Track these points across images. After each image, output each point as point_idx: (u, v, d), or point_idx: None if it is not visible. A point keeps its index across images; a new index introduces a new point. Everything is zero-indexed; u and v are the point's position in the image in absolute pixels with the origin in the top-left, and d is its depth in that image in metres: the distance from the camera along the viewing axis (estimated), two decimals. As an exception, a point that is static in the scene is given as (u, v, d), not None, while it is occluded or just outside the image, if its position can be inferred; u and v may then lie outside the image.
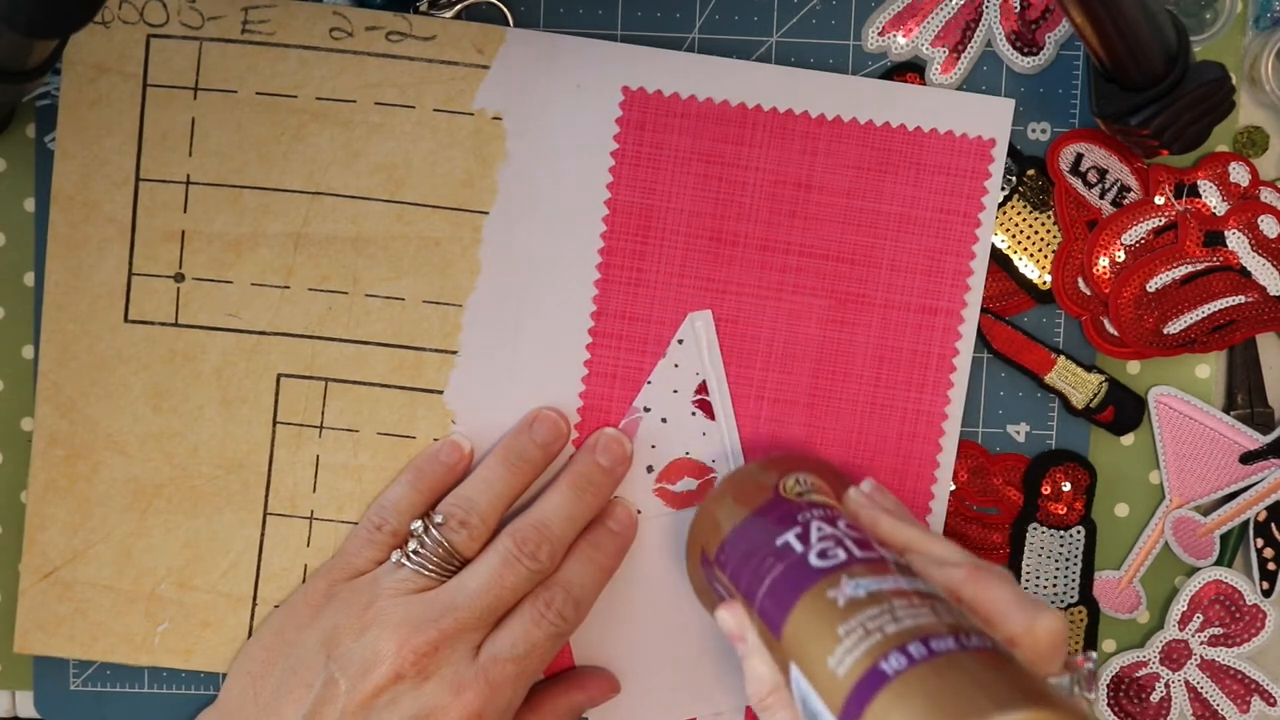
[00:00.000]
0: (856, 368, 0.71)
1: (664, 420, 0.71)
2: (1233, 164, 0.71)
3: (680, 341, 0.71)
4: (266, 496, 0.71)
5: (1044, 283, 0.72)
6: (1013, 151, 0.71)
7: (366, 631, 0.65)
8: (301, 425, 0.71)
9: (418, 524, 0.67)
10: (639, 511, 0.71)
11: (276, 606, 0.71)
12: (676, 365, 0.71)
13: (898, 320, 0.71)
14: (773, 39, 0.71)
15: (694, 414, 0.71)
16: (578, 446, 0.71)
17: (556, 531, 0.67)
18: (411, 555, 0.66)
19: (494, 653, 0.65)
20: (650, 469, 0.71)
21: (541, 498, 0.69)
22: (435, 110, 0.70)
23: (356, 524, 0.70)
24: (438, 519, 0.67)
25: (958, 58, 0.71)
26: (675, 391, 0.71)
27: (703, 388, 0.71)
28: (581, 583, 0.68)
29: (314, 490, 0.71)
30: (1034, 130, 0.71)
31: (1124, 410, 0.72)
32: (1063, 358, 0.72)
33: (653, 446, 0.71)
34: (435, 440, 0.71)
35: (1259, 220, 0.70)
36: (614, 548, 0.70)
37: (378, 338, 0.71)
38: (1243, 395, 0.73)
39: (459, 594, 0.65)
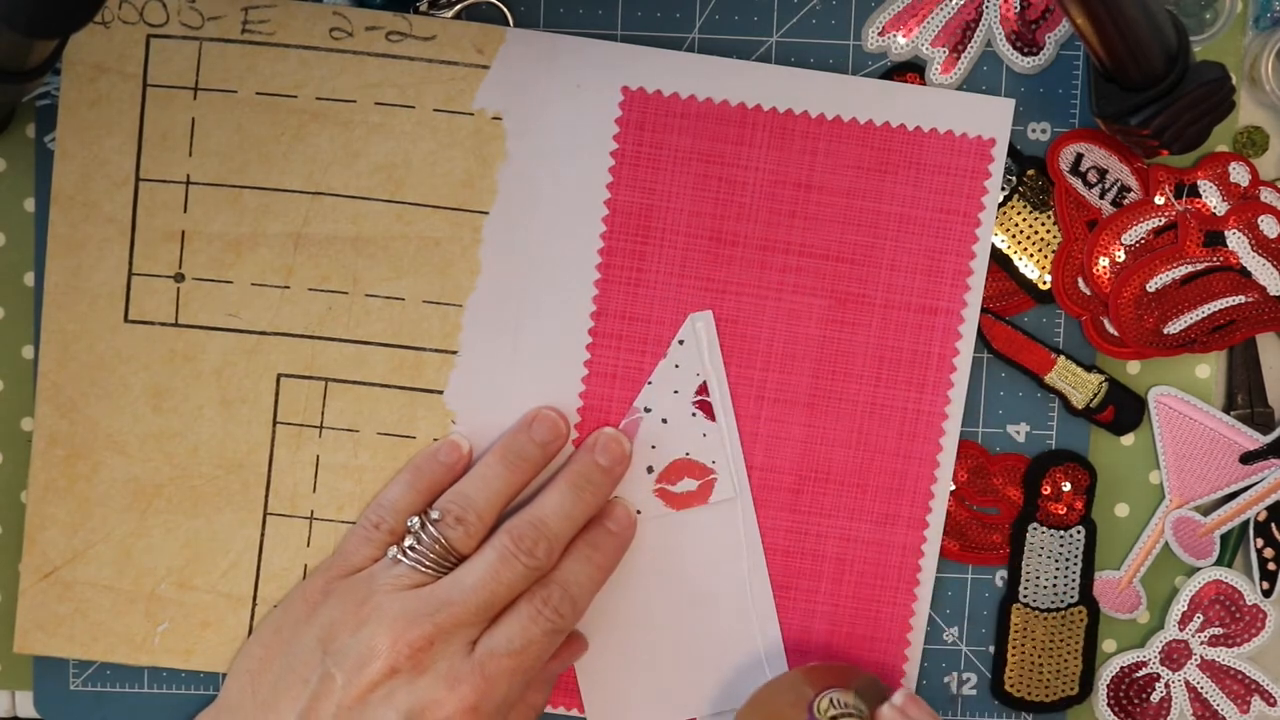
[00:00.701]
0: (856, 368, 0.71)
1: (664, 421, 0.71)
2: (1233, 164, 0.71)
3: (681, 342, 0.70)
4: (266, 496, 0.71)
5: (1044, 283, 0.72)
6: (1013, 151, 0.71)
7: (362, 627, 0.65)
8: (301, 425, 0.71)
9: (414, 520, 0.67)
10: (638, 511, 0.71)
11: (276, 605, 0.71)
12: (677, 366, 0.71)
13: (898, 320, 0.71)
14: (773, 39, 0.71)
15: (694, 415, 0.71)
16: (578, 446, 0.71)
17: (554, 529, 0.67)
18: (408, 551, 0.66)
19: (490, 647, 0.65)
20: (650, 469, 0.71)
21: (540, 496, 0.68)
22: (435, 110, 0.70)
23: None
24: (434, 515, 0.67)
25: (958, 58, 0.71)
26: (676, 392, 0.71)
27: (703, 388, 0.71)
28: (579, 581, 0.68)
29: (314, 490, 0.71)
30: (1034, 130, 0.71)
31: (1124, 410, 0.72)
32: (1063, 358, 0.72)
33: (653, 447, 0.71)
34: (435, 440, 0.71)
35: (1259, 220, 0.70)
36: (612, 547, 0.70)
37: (378, 338, 0.71)
38: (1243, 395, 0.73)
39: (454, 589, 0.65)
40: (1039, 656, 0.73)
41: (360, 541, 0.68)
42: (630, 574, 0.71)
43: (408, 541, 0.67)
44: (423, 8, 0.70)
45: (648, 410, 0.71)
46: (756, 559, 0.71)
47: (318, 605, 0.68)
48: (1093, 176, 0.71)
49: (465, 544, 0.67)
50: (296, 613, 0.68)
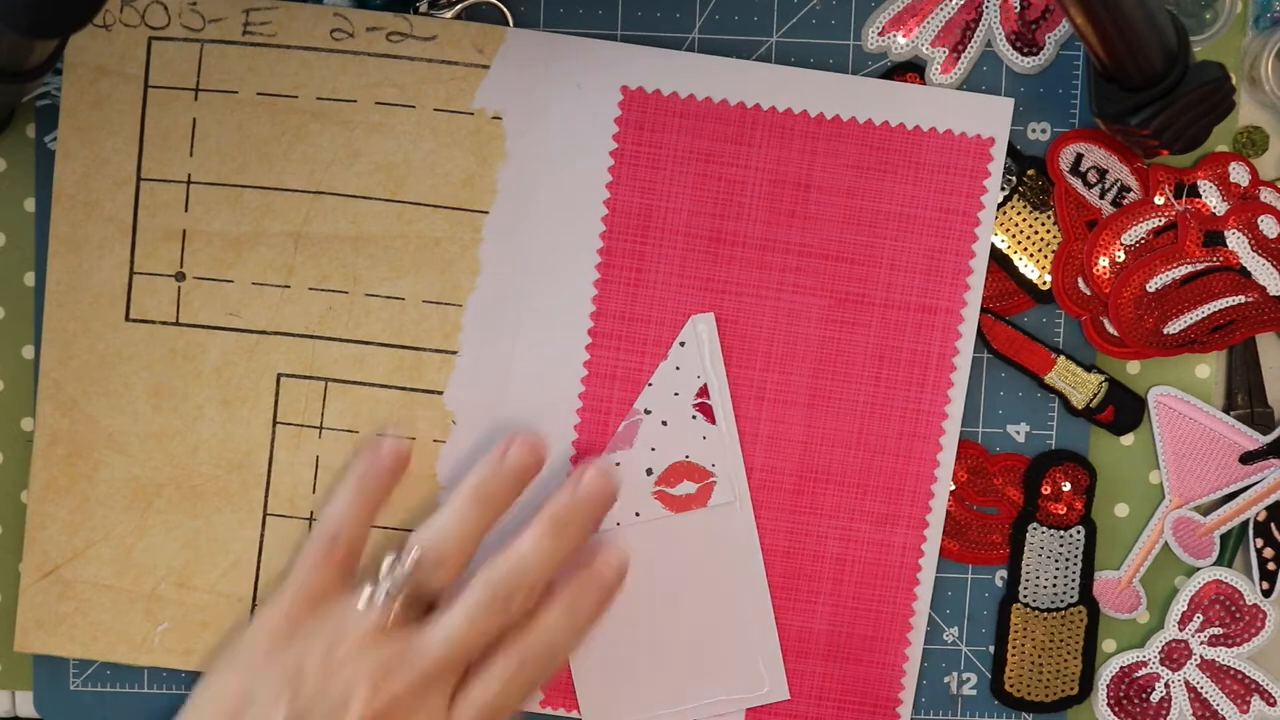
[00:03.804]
0: (856, 367, 0.71)
1: (664, 423, 0.71)
2: (1233, 164, 0.71)
3: (682, 344, 0.70)
4: (266, 497, 0.71)
5: (1044, 283, 0.72)
6: (1013, 151, 0.71)
7: (336, 673, 0.62)
8: (301, 425, 0.71)
9: (389, 561, 0.64)
10: (637, 514, 0.71)
11: (232, 634, 0.69)
12: (678, 368, 0.71)
13: (897, 320, 0.71)
14: (773, 39, 0.71)
15: (695, 417, 0.71)
16: (578, 448, 0.71)
17: (534, 578, 0.65)
18: (382, 595, 0.64)
19: (469, 702, 0.63)
20: (650, 472, 0.71)
21: (520, 539, 0.66)
22: (435, 110, 0.70)
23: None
24: (413, 555, 0.64)
25: (958, 58, 0.71)
26: (676, 394, 0.71)
27: (704, 391, 0.71)
28: (560, 638, 0.66)
29: (313, 491, 0.71)
30: (1034, 130, 0.71)
31: (1124, 410, 0.72)
32: (1063, 358, 0.72)
33: (652, 449, 0.71)
34: (381, 435, 0.69)
35: (1259, 220, 0.70)
36: (599, 601, 0.67)
37: (378, 338, 0.71)
38: (1243, 395, 0.73)
39: (433, 639, 0.63)
40: (1039, 656, 0.73)
41: (316, 564, 0.66)
42: (629, 578, 0.71)
43: (384, 585, 0.64)
44: (423, 8, 0.70)
45: (648, 412, 0.71)
46: (755, 563, 0.71)
47: (283, 641, 0.64)
48: (1093, 176, 0.71)
49: (444, 585, 0.65)
50: (258, 647, 0.65)
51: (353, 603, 0.64)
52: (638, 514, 0.71)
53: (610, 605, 0.68)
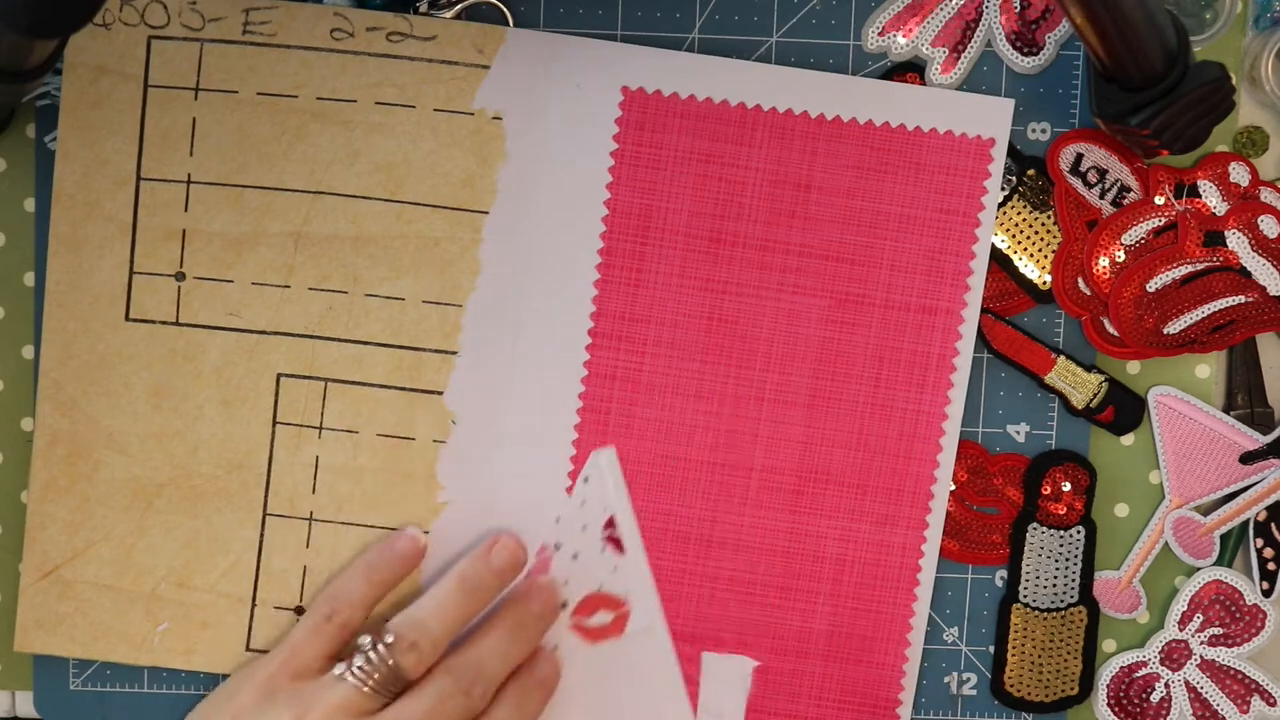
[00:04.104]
0: (856, 368, 0.71)
1: (575, 557, 0.70)
2: (1233, 164, 0.71)
3: (586, 479, 0.70)
4: (266, 497, 0.71)
5: (1044, 283, 0.72)
6: (1013, 151, 0.71)
7: None
8: (301, 426, 0.71)
9: (366, 640, 0.66)
10: (555, 648, 0.71)
11: (228, 679, 0.70)
12: (584, 502, 0.70)
13: (897, 320, 0.71)
14: (773, 39, 0.71)
15: (604, 550, 0.70)
16: (577, 448, 0.71)
17: (492, 672, 0.67)
18: (355, 671, 0.65)
19: None
20: (564, 604, 0.71)
21: (480, 636, 0.68)
22: (435, 110, 0.70)
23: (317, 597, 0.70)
24: (388, 639, 0.66)
25: (958, 58, 0.71)
26: (584, 528, 0.70)
27: (611, 522, 0.70)
28: None
29: (313, 491, 0.71)
30: (1034, 130, 0.71)
31: (1124, 410, 0.72)
32: (1063, 358, 0.72)
33: (565, 583, 0.70)
34: (394, 530, 0.71)
35: (1259, 220, 0.71)
36: (540, 699, 0.70)
37: (377, 338, 0.71)
38: (1243, 395, 0.73)
39: None
40: (1039, 656, 0.73)
41: (310, 634, 0.68)
42: (552, 711, 0.71)
43: (356, 661, 0.65)
44: (423, 8, 0.70)
45: (558, 547, 0.70)
46: (676, 688, 0.71)
47: (260, 703, 0.67)
48: (1093, 176, 0.71)
49: (415, 671, 0.66)
50: (241, 702, 0.67)
51: (327, 679, 0.66)
52: (556, 648, 0.71)
53: (548, 702, 0.70)
